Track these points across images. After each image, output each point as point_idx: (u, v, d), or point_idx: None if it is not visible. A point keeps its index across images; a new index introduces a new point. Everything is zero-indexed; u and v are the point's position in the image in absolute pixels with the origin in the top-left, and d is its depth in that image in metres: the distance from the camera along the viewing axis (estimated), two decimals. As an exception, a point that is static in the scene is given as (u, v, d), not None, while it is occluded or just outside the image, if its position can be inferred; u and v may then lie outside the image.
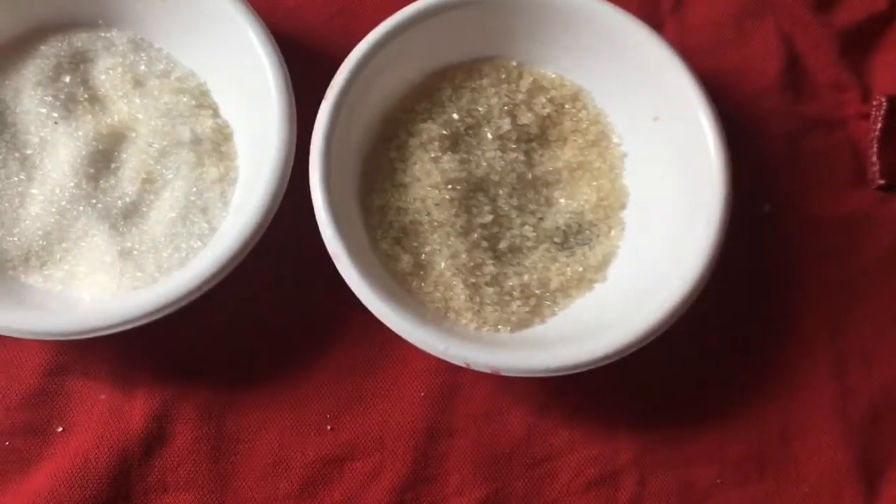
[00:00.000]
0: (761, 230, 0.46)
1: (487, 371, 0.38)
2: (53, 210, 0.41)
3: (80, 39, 0.44)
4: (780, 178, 0.47)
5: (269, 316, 0.44)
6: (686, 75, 0.42)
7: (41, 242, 0.41)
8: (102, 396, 0.42)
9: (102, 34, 0.45)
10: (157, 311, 0.38)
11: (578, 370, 0.39)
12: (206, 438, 0.42)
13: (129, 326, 0.38)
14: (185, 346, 0.43)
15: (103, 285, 0.41)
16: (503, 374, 0.38)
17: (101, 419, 0.42)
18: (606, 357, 0.39)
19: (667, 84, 0.43)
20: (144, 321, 0.38)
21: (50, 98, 0.43)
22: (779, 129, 0.47)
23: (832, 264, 0.46)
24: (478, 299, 0.42)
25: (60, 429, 0.42)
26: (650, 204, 0.44)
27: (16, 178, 0.42)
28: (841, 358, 0.45)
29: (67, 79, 0.44)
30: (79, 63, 0.44)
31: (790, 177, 0.47)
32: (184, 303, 0.39)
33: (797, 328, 0.45)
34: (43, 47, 0.44)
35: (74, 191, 0.41)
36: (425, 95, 0.45)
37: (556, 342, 0.40)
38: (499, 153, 0.44)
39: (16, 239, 0.41)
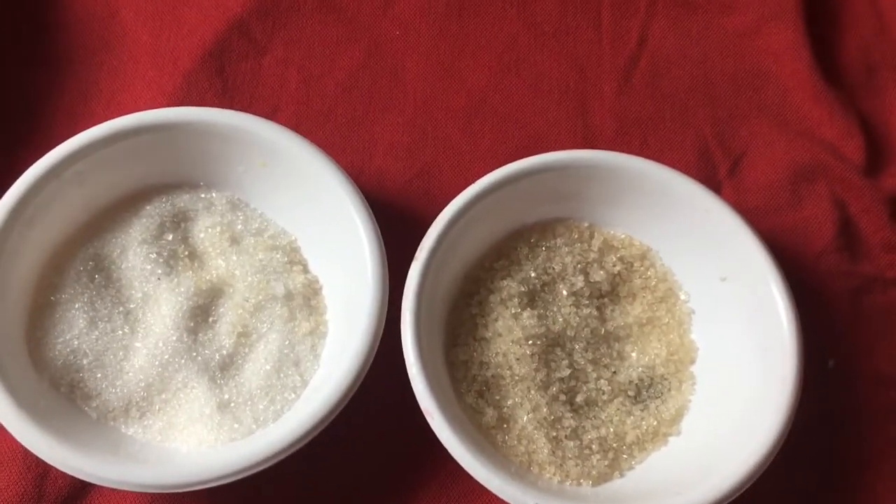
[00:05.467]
0: (827, 386, 0.48)
1: (577, 527, 0.39)
2: (156, 363, 0.43)
3: (183, 200, 0.47)
4: (841, 334, 0.49)
5: (356, 466, 0.45)
6: (754, 242, 0.44)
7: (142, 394, 0.43)
8: (194, 546, 0.43)
9: (203, 195, 0.48)
10: (254, 465, 0.39)
11: (663, 527, 0.40)
12: (296, 591, 0.43)
13: (227, 481, 0.40)
14: (276, 494, 0.44)
15: (201, 437, 0.42)
16: (592, 530, 0.39)
17: (193, 570, 0.42)
18: (690, 515, 0.40)
19: (735, 248, 0.45)
20: (242, 476, 0.40)
21: (154, 255, 0.45)
22: (837, 288, 0.50)
23: (898, 421, 0.47)
24: (560, 453, 0.43)
25: (153, 579, 0.43)
26: (719, 360, 0.46)
27: (120, 332, 0.44)
28: (912, 515, 0.46)
29: (170, 237, 0.46)
30: (180, 222, 0.47)
31: (852, 333, 0.49)
32: (280, 458, 0.40)
33: (867, 486, 0.46)
34: (148, 207, 0.47)
35: (176, 344, 0.44)
36: (503, 254, 0.48)
37: (638, 499, 0.41)
38: (573, 309, 0.47)
39: (118, 390, 0.43)
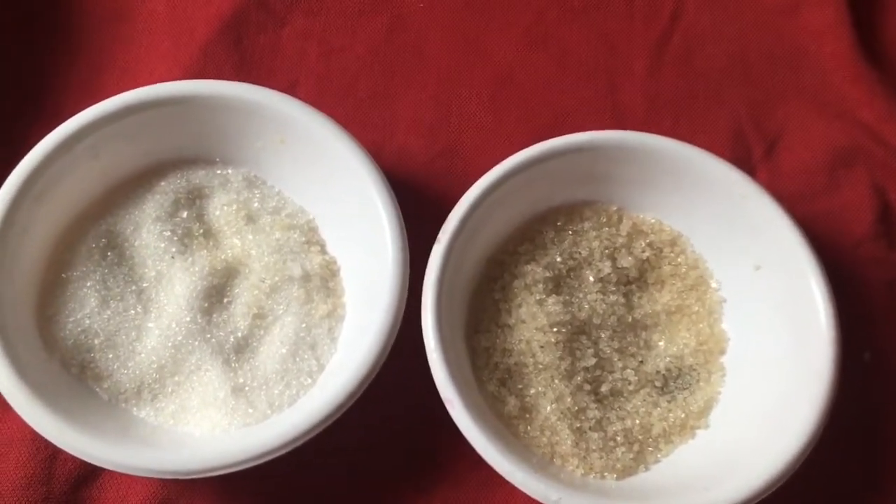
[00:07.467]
0: (862, 378, 0.46)
1: (602, 523, 0.38)
2: (169, 344, 0.42)
3: (198, 176, 0.46)
4: (879, 326, 0.47)
5: (373, 454, 0.44)
6: (792, 230, 0.42)
7: (154, 375, 0.42)
8: (206, 533, 0.42)
9: (219, 171, 0.46)
10: (268, 452, 0.38)
11: (692, 525, 0.38)
12: (310, 581, 0.42)
13: (241, 467, 0.38)
14: (290, 481, 0.43)
15: (215, 421, 0.41)
16: (618, 527, 0.38)
17: (205, 557, 0.41)
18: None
19: (771, 236, 0.43)
20: (256, 462, 0.38)
21: (168, 233, 0.44)
22: (875, 278, 0.48)
23: (935, 416, 0.45)
24: (583, 445, 0.42)
25: (164, 566, 0.42)
26: (751, 351, 0.44)
27: (133, 312, 0.43)
28: (950, 514, 0.44)
29: (184, 214, 0.45)
30: (195, 199, 0.46)
31: (889, 325, 0.47)
32: (295, 444, 0.39)
33: (904, 483, 0.44)
34: (163, 183, 0.45)
35: (190, 325, 0.42)
36: (528, 238, 0.46)
37: (664, 493, 0.40)
38: (600, 296, 0.45)
39: (130, 372, 0.42)
